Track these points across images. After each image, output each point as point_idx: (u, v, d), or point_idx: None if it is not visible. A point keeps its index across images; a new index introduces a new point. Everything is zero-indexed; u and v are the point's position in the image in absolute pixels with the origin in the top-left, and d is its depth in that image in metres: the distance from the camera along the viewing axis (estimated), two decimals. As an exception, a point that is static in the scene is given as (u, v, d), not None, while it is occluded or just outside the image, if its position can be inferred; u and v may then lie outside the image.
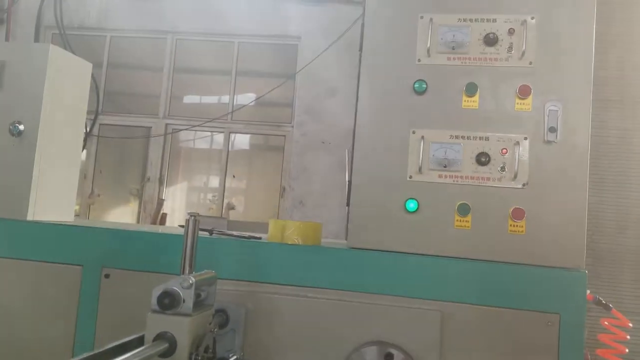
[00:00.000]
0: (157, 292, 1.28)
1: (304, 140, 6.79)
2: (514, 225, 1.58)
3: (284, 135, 7.14)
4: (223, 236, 1.81)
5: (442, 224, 1.62)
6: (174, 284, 1.28)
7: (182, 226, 1.72)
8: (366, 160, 1.68)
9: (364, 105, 1.73)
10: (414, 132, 1.66)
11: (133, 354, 1.12)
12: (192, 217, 1.41)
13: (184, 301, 1.28)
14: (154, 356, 1.21)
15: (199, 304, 1.34)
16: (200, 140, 7.87)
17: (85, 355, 1.08)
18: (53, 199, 1.89)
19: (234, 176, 7.03)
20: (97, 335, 1.63)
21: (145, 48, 7.08)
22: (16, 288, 1.71)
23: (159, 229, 2.60)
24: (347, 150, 6.90)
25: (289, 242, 1.68)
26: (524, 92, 1.60)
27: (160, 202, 6.23)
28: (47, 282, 1.70)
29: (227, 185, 7.05)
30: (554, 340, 1.50)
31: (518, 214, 1.57)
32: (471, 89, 1.63)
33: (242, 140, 7.68)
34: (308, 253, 1.65)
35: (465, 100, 1.65)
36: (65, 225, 1.77)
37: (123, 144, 7.06)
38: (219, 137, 7.30)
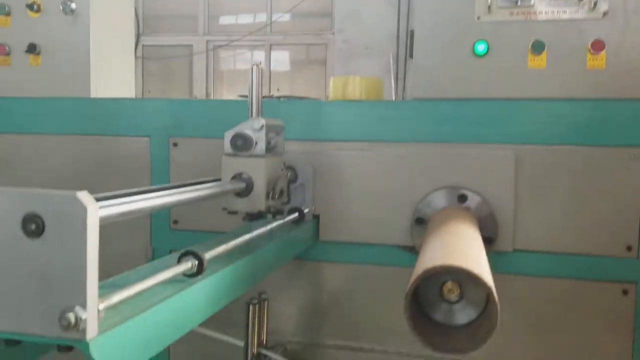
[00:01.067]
0: (229, 135, 1.27)
1: (346, 47, 6.59)
2: (593, 59, 1.48)
3: (325, 44, 6.96)
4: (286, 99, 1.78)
5: (515, 65, 1.52)
6: (245, 127, 1.27)
7: (242, 96, 1.71)
8: (429, 6, 1.59)
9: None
10: (480, -30, 1.54)
11: (213, 185, 1.13)
12: (256, 66, 1.37)
13: (256, 143, 1.27)
14: (231, 192, 1.23)
15: (269, 150, 1.33)
16: (241, 61, 7.78)
17: (164, 185, 1.09)
18: (113, 77, 1.90)
19: (277, 89, 6.96)
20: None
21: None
22: (87, 163, 1.75)
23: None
24: (391, 55, 6.64)
25: (351, 99, 1.64)
26: None
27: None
28: (118, 155, 1.73)
29: (271, 102, 7.00)
30: (638, 177, 1.44)
31: (598, 46, 1.46)
32: None
33: (282, 59, 7.53)
34: (372, 107, 1.60)
35: None
36: (130, 99, 1.77)
37: (167, 64, 7.07)
38: (259, 57, 7.18)
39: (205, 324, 1.46)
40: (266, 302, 1.40)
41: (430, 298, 0.90)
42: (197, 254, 0.91)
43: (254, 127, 1.26)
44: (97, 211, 0.66)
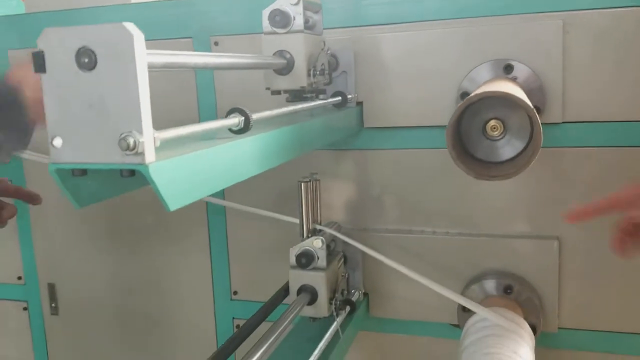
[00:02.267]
0: (266, 12, 1.28)
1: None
2: None
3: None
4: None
5: None
6: (281, 2, 1.27)
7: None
8: None
9: None
10: None
11: (255, 56, 1.15)
12: (289, -56, 1.35)
13: (294, 18, 1.27)
14: (272, 69, 1.25)
15: (308, 28, 1.33)
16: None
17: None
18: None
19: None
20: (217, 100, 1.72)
21: None
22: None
23: None
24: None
25: (390, -20, 1.59)
26: None
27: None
28: (162, 60, 1.76)
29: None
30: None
31: None
32: None
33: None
34: (411, -14, 1.56)
35: None
36: (169, 0, 1.78)
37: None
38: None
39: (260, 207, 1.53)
40: (318, 183, 1.43)
41: (474, 140, 0.90)
42: (244, 111, 0.94)
43: (290, 2, 1.26)
44: (143, 39, 0.69)
